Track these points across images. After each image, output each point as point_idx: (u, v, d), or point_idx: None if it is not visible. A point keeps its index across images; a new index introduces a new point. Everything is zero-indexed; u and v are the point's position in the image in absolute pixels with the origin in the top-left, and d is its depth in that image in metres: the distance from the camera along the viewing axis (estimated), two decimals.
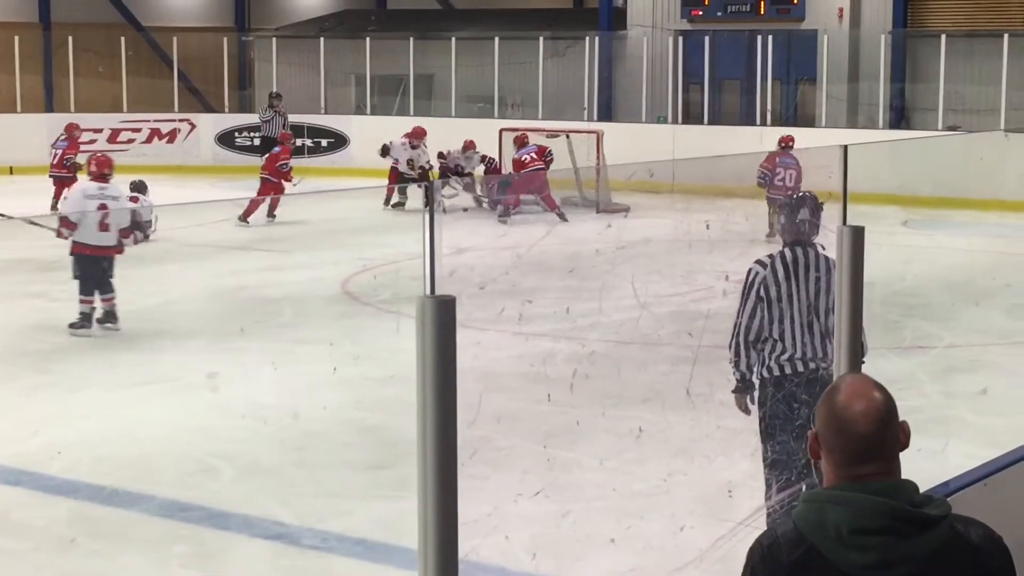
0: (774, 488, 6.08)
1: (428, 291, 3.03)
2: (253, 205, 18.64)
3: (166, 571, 6.09)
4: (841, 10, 24.41)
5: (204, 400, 9.11)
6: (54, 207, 18.95)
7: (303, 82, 28.43)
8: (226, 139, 27.26)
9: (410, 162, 20.97)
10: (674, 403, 7.94)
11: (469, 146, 21.29)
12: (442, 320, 2.98)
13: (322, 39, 28.26)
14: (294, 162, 20.32)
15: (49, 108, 28.63)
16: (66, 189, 18.17)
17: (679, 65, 25.06)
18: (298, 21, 32.96)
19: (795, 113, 25.27)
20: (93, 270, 11.13)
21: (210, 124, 27.74)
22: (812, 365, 6.02)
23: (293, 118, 25.43)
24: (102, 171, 12.30)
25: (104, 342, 10.96)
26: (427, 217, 3.17)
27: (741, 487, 6.42)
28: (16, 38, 27.09)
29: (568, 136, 21.34)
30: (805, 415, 5.89)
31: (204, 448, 7.97)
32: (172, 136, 27.39)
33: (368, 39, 27.63)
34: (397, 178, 21.08)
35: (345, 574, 6.14)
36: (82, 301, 11.12)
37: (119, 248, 11.45)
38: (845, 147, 4.41)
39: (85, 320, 11.06)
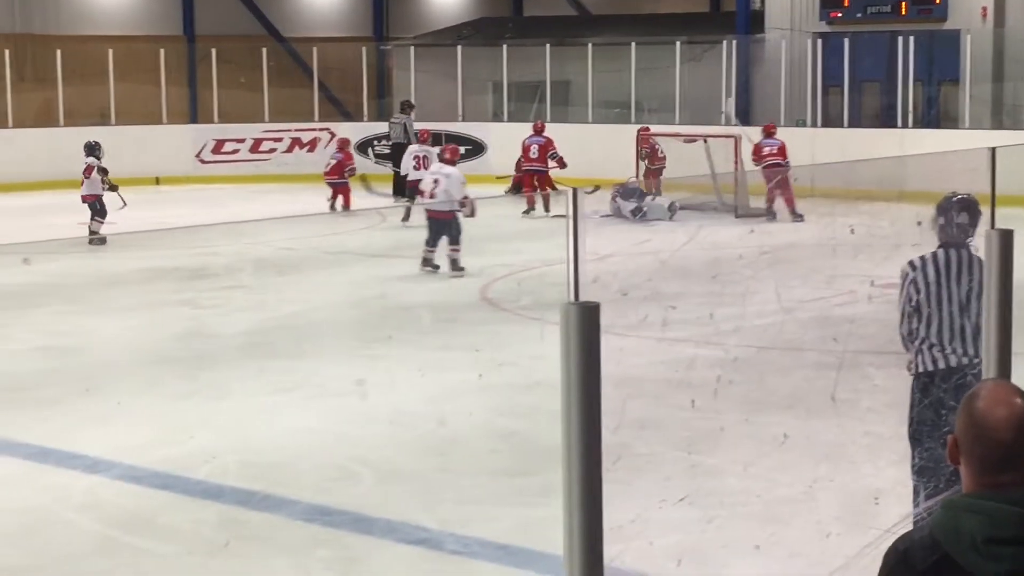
0: (922, 495, 5.98)
1: (572, 298, 3.02)
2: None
3: (309, 574, 6.15)
4: (985, 9, 23.92)
5: (347, 406, 9.21)
6: (332, 207, 20.81)
7: (441, 90, 28.62)
8: (365, 147, 27.54)
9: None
10: (819, 409, 7.84)
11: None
12: (586, 326, 2.97)
13: (459, 47, 28.43)
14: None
15: (193, 119, 29.23)
16: (339, 195, 20.96)
17: (818, 68, 24.75)
18: (435, 29, 33.22)
19: (937, 115, 24.83)
20: (439, 228, 14.36)
21: (349, 132, 28.03)
22: (964, 360, 5.95)
23: (431, 126, 25.62)
24: (454, 158, 16.10)
25: (249, 350, 11.12)
26: (571, 224, 3.16)
27: (888, 494, 6.31)
28: (161, 51, 27.67)
29: (706, 141, 21.20)
30: (953, 421, 5.79)
31: (347, 453, 8.05)
32: (312, 145, 27.77)
33: (505, 46, 27.73)
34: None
35: None
36: (426, 251, 14.48)
37: (451, 213, 14.37)
38: (993, 149, 4.32)
39: (427, 263, 14.42)
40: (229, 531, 6.77)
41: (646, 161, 21.96)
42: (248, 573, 6.15)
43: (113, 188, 17.74)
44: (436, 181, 15.76)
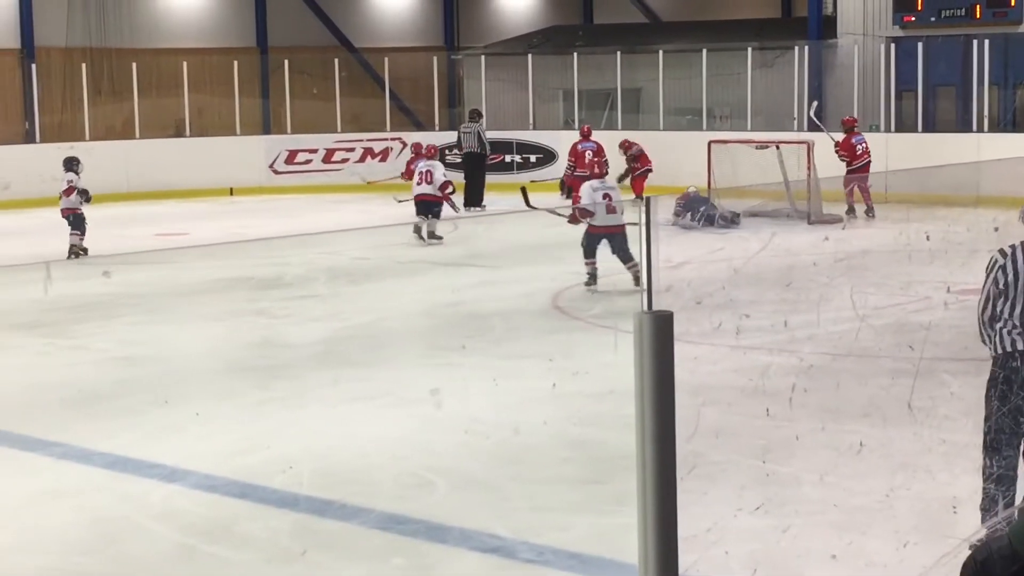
0: (1000, 504, 5.92)
1: (646, 307, 3.02)
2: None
3: None
4: None
5: (420, 415, 9.25)
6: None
7: (511, 98, 28.70)
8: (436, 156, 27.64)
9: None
10: (895, 417, 7.78)
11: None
12: (660, 335, 2.97)
13: (530, 56, 28.48)
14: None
15: (266, 130, 29.50)
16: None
17: (891, 72, 24.57)
18: (506, 38, 33.31)
19: (1013, 119, 24.55)
20: (597, 243, 14.19)
21: (421, 142, 28.19)
22: None
23: (503, 135, 25.70)
24: (604, 172, 15.93)
25: (323, 359, 11.19)
26: (643, 232, 3.16)
27: (966, 503, 6.25)
28: (235, 63, 27.93)
29: (778, 147, 21.11)
30: None
31: (421, 462, 8.08)
32: (384, 155, 27.92)
33: (575, 54, 27.75)
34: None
35: None
36: (587, 263, 14.22)
37: (622, 227, 14.23)
38: None
39: (591, 279, 14.16)
40: (305, 539, 6.82)
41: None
42: None
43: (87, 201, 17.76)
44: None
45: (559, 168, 25.99)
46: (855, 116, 22.16)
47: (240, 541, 6.77)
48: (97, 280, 15.33)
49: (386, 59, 29.14)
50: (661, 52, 26.71)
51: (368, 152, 27.98)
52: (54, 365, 11.22)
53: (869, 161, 20.78)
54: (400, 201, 20.62)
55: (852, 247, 15.75)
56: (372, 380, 10.40)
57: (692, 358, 8.40)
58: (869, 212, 19.56)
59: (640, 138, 22.89)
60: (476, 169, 24.57)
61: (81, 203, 17.56)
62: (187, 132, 27.58)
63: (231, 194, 26.03)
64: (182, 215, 19.66)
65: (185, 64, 27.36)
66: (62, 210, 17.70)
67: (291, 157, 27.92)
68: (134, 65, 26.93)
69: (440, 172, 19.50)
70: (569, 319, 12.99)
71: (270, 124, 30.08)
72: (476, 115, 25.59)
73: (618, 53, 27.20)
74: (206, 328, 12.49)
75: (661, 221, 17.93)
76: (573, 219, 14.67)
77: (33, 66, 27.07)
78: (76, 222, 17.50)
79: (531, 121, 27.85)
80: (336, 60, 28.89)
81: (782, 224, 18.72)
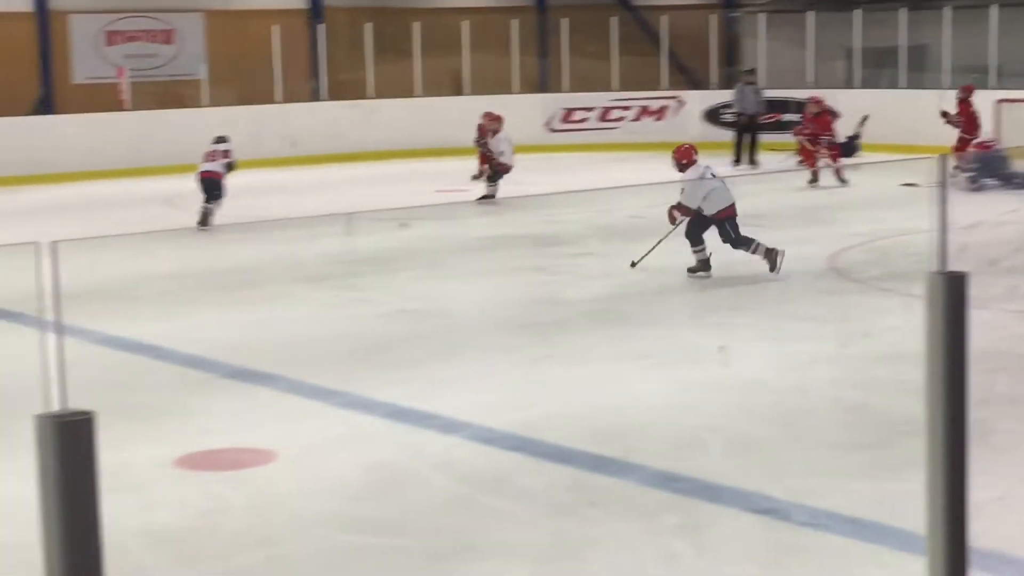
0: None
1: (939, 267, 2.94)
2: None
3: (657, 540, 6.19)
4: None
5: (695, 374, 9.23)
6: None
7: (790, 57, 28.20)
8: (712, 116, 27.43)
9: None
10: None
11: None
12: (953, 297, 2.89)
13: (810, 13, 27.92)
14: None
15: (543, 89, 29.69)
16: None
17: None
18: None
19: None
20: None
21: (697, 101, 28.01)
22: None
23: (780, 94, 25.30)
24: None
25: (598, 316, 11.26)
26: (938, 192, 3.08)
27: None
28: (514, 22, 28.20)
29: None
30: None
31: (695, 421, 8.07)
32: (661, 114, 27.84)
33: (858, 11, 27.09)
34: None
35: (837, 552, 6.06)
36: (695, 251, 13.00)
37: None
38: None
39: (703, 265, 12.91)
40: (580, 494, 6.89)
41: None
42: (599, 535, 6.24)
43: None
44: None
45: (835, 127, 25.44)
46: None
47: (516, 493, 6.88)
48: (384, 234, 15.74)
49: (663, 18, 28.98)
50: (949, 8, 25.83)
51: (644, 111, 27.94)
52: (340, 317, 11.59)
53: None
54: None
55: None
56: (645, 338, 10.42)
57: (984, 323, 8.15)
58: None
59: (925, 98, 22.19)
60: (750, 128, 24.31)
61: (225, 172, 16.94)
62: (465, 90, 28.01)
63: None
64: (462, 172, 19.96)
65: (465, 24, 27.76)
66: (207, 172, 16.89)
67: (567, 116, 28.10)
68: (416, 24, 27.47)
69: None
70: (846, 281, 12.75)
71: (547, 83, 30.30)
72: (751, 74, 25.25)
73: (903, 9, 26.43)
74: (484, 283, 12.70)
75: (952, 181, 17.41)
76: (672, 218, 13.17)
77: (320, 26, 27.89)
78: (215, 192, 16.78)
79: (810, 80, 27.32)
80: (614, 19, 28.87)
81: None
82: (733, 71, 29.32)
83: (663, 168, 21.35)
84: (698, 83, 29.91)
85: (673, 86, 28.82)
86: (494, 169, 18.69)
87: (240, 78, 27.10)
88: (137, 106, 25.71)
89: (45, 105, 26.60)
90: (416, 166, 24.33)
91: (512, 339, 10.37)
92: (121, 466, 7.00)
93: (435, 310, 11.28)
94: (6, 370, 9.84)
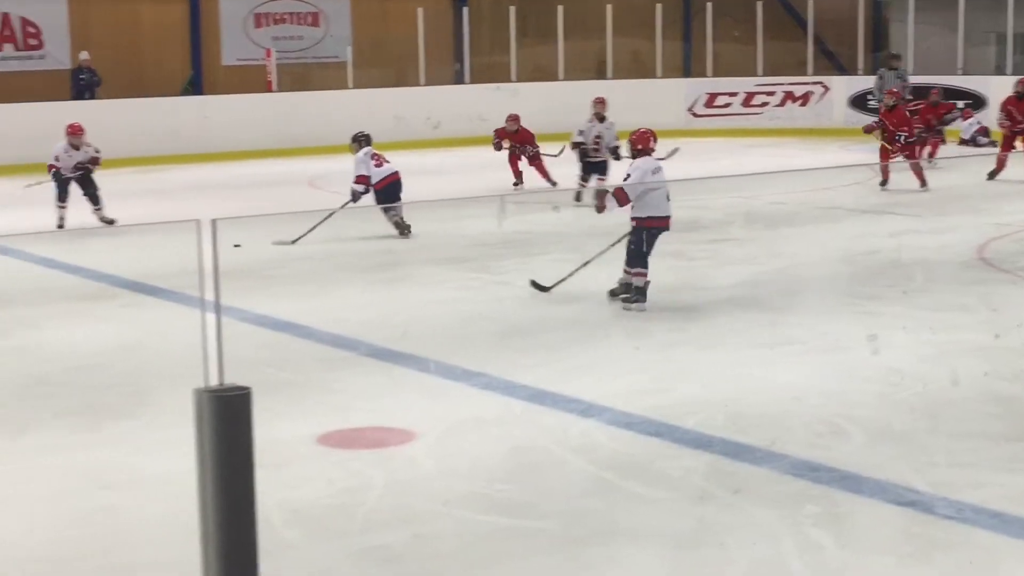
0: None
1: None
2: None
3: (797, 529, 6.14)
4: None
5: (835, 362, 9.14)
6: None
7: (939, 42, 27.67)
8: (858, 102, 27.04)
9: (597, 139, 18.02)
10: None
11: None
12: None
13: None
14: None
15: (687, 73, 29.54)
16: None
17: None
18: None
19: None
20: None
21: (843, 87, 27.64)
22: None
23: (928, 79, 24.84)
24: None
25: (738, 303, 11.19)
26: None
27: None
28: (658, 6, 28.07)
29: None
30: None
31: (834, 410, 7.98)
32: (805, 99, 27.54)
33: None
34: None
35: (982, 547, 5.96)
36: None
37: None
38: None
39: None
40: (718, 481, 6.86)
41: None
42: (737, 523, 6.22)
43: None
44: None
45: (988, 116, 24.94)
46: None
47: (654, 478, 6.88)
48: (523, 217, 15.80)
49: (810, 1, 28.64)
50: None
51: (789, 96, 27.65)
52: (480, 299, 11.66)
53: None
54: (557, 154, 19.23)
55: None
56: (787, 326, 10.33)
57: None
58: None
59: None
60: None
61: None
62: (608, 74, 27.96)
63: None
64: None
65: (609, 7, 27.70)
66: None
67: (710, 100, 27.93)
68: (560, 8, 27.47)
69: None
70: (996, 271, 12.51)
71: (690, 67, 30.12)
72: (895, 59, 24.84)
73: None
74: (620, 268, 12.66)
75: None
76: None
77: (465, 9, 28.03)
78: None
79: (960, 65, 26.80)
80: (759, 3, 28.59)
81: None
82: (880, 56, 28.89)
83: (806, 154, 21.20)
84: (844, 68, 29.51)
85: (818, 71, 28.47)
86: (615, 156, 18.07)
87: (384, 61, 27.37)
88: (283, 88, 26.09)
89: (195, 86, 27.13)
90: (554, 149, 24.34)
91: (650, 324, 10.35)
92: (265, 442, 7.11)
93: (574, 294, 11.28)
94: (153, 347, 10.09)
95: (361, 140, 15.08)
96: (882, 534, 6.17)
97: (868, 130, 19.00)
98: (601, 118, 18.02)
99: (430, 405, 8.36)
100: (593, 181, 17.56)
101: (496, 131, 19.62)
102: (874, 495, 6.59)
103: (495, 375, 8.89)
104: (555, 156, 18.99)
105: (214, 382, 2.47)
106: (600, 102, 18.18)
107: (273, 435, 7.43)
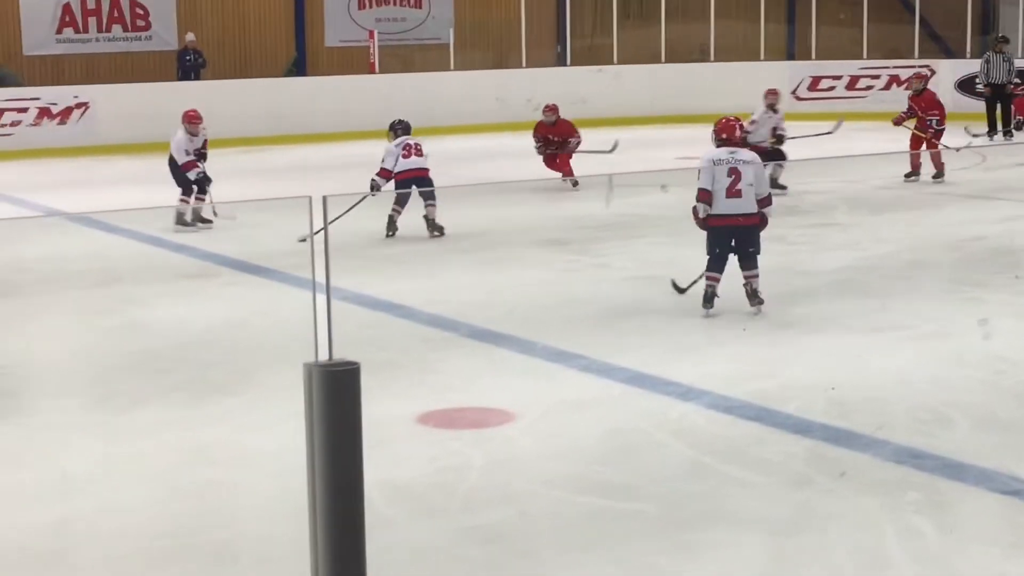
0: None
1: None
2: None
3: (899, 516, 6.09)
4: None
5: (939, 349, 9.04)
6: None
7: None
8: (966, 85, 26.61)
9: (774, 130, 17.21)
10: None
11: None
12: None
13: None
14: None
15: (790, 56, 29.28)
16: None
17: None
18: None
19: None
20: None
21: (949, 70, 27.21)
22: None
23: None
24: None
25: (840, 288, 11.09)
26: None
27: None
28: None
29: None
30: None
31: (938, 398, 7.89)
32: (910, 83, 27.10)
33: None
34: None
35: None
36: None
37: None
38: None
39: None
40: (818, 466, 6.82)
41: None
42: (837, 509, 6.18)
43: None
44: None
45: None
46: None
47: (753, 463, 6.85)
48: (625, 200, 15.76)
49: None
50: None
51: (894, 79, 27.28)
52: (579, 281, 11.67)
53: None
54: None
55: None
56: (890, 311, 10.22)
57: None
58: None
59: None
60: (1000, 99, 23.55)
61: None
62: (711, 57, 27.79)
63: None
64: (703, 139, 19.81)
65: None
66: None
67: (814, 84, 27.63)
68: None
69: None
70: None
71: (794, 50, 29.83)
72: (1003, 42, 24.42)
73: None
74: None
75: None
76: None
77: None
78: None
79: None
80: None
81: None
82: (988, 39, 28.41)
83: (905, 137, 20.85)
84: (951, 52, 29.06)
85: (924, 55, 28.06)
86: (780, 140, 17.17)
87: (486, 43, 27.41)
88: (385, 69, 26.22)
89: (299, 67, 27.36)
90: (659, 133, 24.28)
91: (749, 308, 10.27)
92: (367, 420, 7.18)
93: (668, 277, 11.24)
94: (257, 325, 10.23)
95: (398, 129, 14.28)
96: (985, 523, 6.10)
97: (898, 122, 18.08)
98: (775, 109, 17.29)
99: (529, 386, 8.38)
100: (771, 169, 16.93)
101: (535, 126, 18.11)
102: (978, 483, 6.52)
103: (594, 357, 8.89)
104: (608, 152, 18.06)
105: (323, 357, 2.51)
106: (773, 93, 17.48)
107: (374, 414, 7.49)
